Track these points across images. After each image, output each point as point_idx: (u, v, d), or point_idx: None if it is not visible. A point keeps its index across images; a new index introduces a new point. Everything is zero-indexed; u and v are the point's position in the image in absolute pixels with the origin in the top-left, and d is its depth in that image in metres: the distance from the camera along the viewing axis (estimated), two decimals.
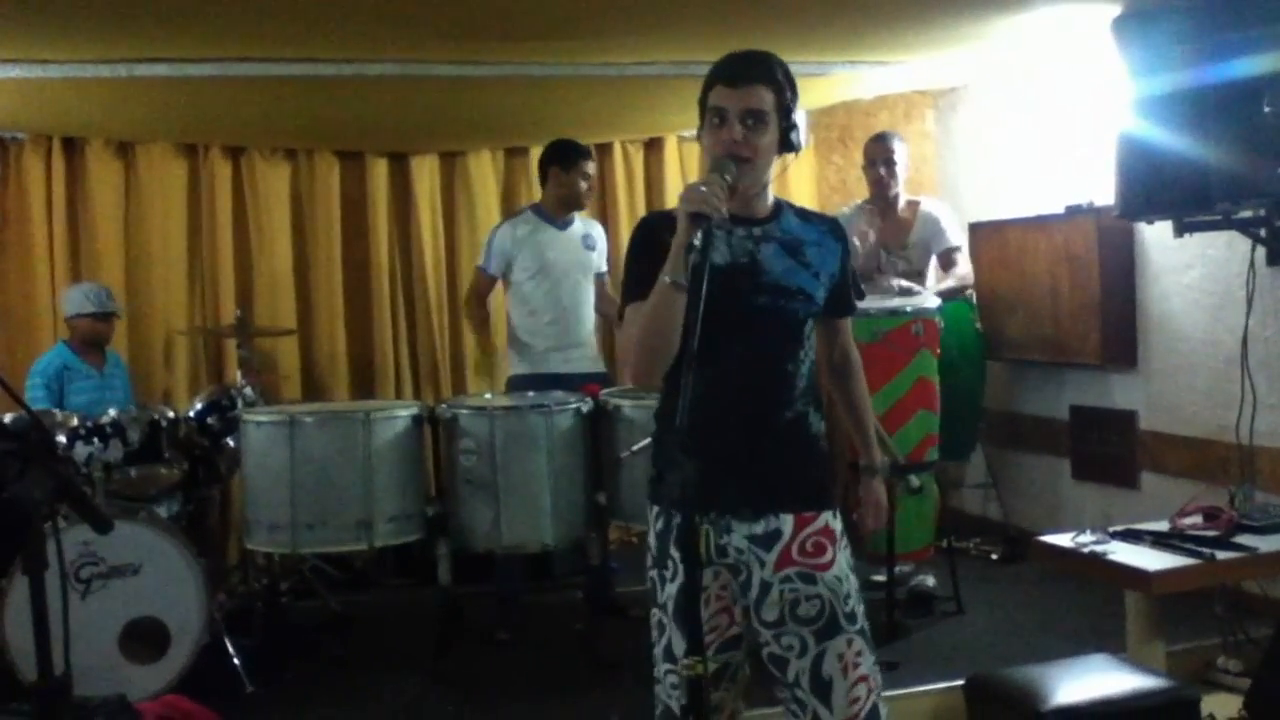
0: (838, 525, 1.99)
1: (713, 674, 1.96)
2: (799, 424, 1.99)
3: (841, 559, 1.97)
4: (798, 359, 1.99)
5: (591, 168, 4.14)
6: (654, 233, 1.93)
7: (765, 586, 1.93)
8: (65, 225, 4.71)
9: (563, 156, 4.11)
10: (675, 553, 1.95)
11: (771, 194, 2.04)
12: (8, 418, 3.26)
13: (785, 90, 1.93)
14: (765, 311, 1.95)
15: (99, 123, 4.60)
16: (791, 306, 1.96)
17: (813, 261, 1.99)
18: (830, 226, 2.07)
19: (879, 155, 4.19)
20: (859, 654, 1.94)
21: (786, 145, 1.96)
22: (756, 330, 1.95)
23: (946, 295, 4.21)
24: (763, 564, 1.94)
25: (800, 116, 2.00)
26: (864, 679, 1.95)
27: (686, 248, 1.79)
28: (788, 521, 1.94)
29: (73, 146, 4.73)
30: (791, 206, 2.07)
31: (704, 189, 1.80)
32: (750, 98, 1.89)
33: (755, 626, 1.97)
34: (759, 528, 1.95)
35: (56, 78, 3.60)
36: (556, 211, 4.14)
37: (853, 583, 1.97)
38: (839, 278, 2.04)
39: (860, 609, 1.97)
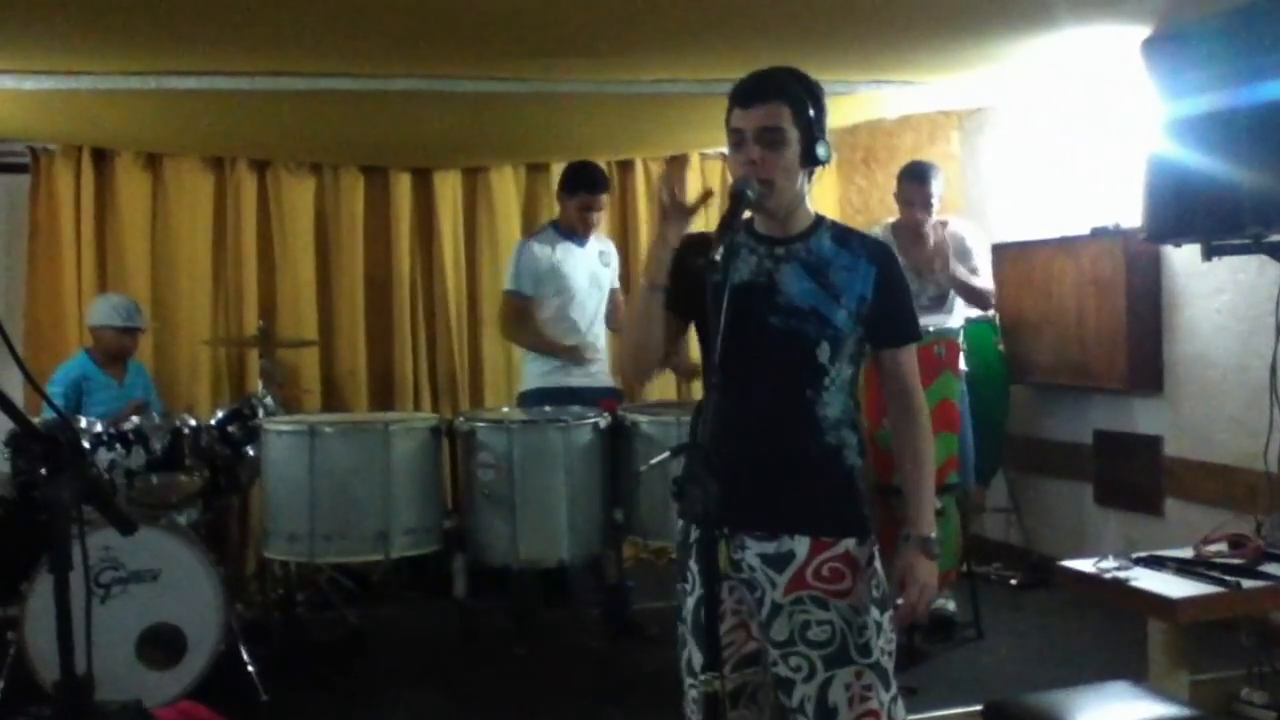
0: (863, 554, 1.91)
1: (730, 692, 1.93)
2: (829, 456, 1.93)
3: (863, 589, 1.89)
4: (819, 385, 1.91)
5: (602, 200, 4.09)
6: (679, 258, 1.94)
7: (776, 608, 1.90)
8: (93, 235, 4.76)
9: (563, 182, 4.16)
10: (694, 566, 1.95)
11: (811, 211, 2.00)
12: (36, 421, 3.28)
13: (805, 104, 1.90)
14: (778, 333, 1.91)
15: (129, 135, 4.66)
16: (804, 329, 1.91)
17: (836, 284, 1.92)
18: (870, 250, 1.97)
19: (917, 198, 4.09)
20: (868, 687, 1.87)
21: (811, 159, 1.92)
22: (770, 352, 1.92)
23: (967, 289, 4.14)
24: (774, 585, 1.90)
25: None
26: (873, 713, 1.87)
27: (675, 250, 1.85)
28: (803, 544, 1.90)
29: (102, 158, 4.79)
30: (833, 226, 2.00)
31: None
32: (765, 116, 1.88)
33: (766, 646, 1.94)
34: (771, 548, 1.91)
35: (88, 89, 3.66)
36: (579, 229, 4.15)
37: (874, 616, 1.89)
38: (875, 303, 1.93)
39: (880, 644, 1.89)
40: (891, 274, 1.97)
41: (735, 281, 1.92)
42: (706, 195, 1.99)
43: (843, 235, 1.99)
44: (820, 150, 1.91)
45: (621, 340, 2.03)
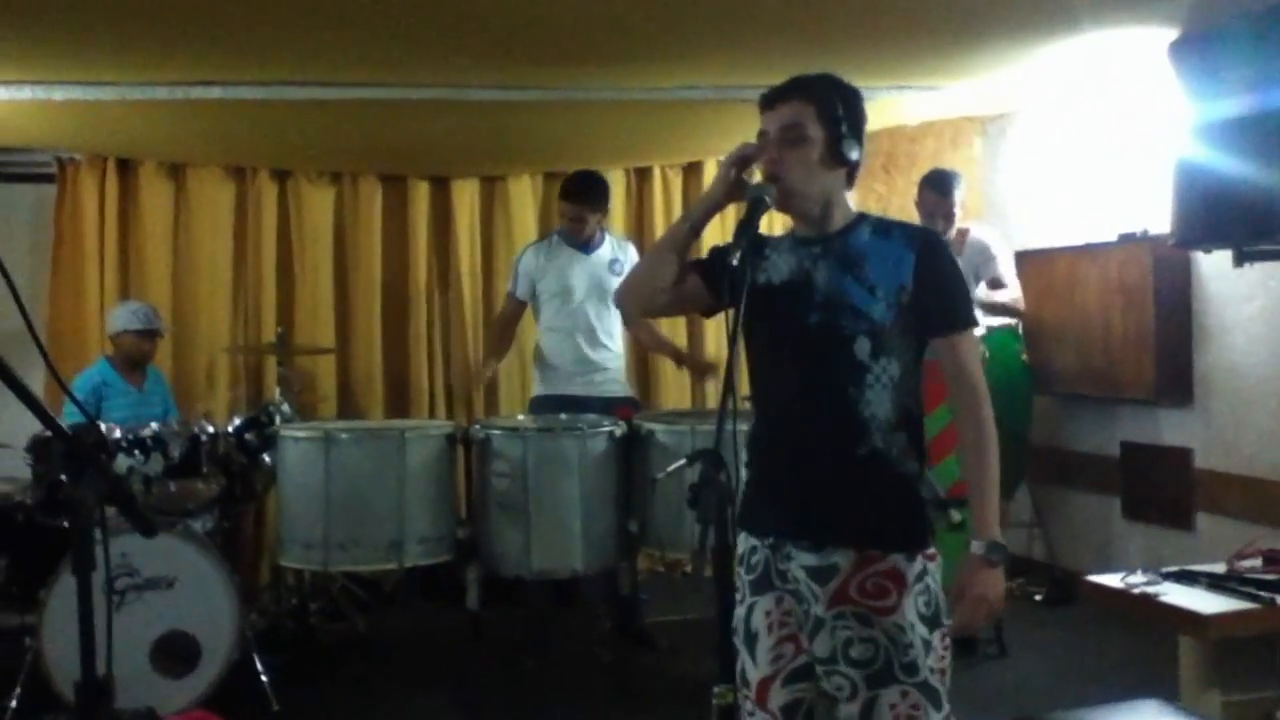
0: (912, 569, 1.82)
1: (782, 708, 1.88)
2: (876, 461, 1.85)
3: (909, 606, 1.81)
4: (861, 383, 1.84)
5: (583, 212, 4.06)
6: (718, 249, 1.97)
7: (819, 621, 1.84)
8: (116, 244, 4.81)
9: (560, 192, 4.16)
10: (742, 574, 1.92)
11: (851, 208, 1.96)
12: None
13: (830, 102, 1.88)
14: (815, 330, 1.87)
15: (153, 144, 4.70)
16: (840, 323, 1.85)
17: (871, 275, 1.86)
18: (909, 238, 1.90)
19: (938, 210, 4.04)
20: (915, 707, 1.80)
21: (840, 159, 1.89)
22: (810, 351, 1.88)
23: (995, 309, 4.11)
24: (817, 598, 1.84)
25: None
26: None
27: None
28: (847, 557, 1.83)
29: (126, 167, 4.84)
30: (876, 221, 1.95)
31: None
32: (785, 114, 1.88)
33: (811, 660, 1.88)
34: (815, 559, 1.85)
35: (114, 99, 3.69)
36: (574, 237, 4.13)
37: (920, 633, 1.81)
38: (916, 290, 1.85)
39: (927, 662, 1.81)
40: (933, 258, 1.88)
41: (775, 283, 1.93)
42: (737, 192, 1.96)
43: (885, 228, 1.94)
44: (847, 149, 1.88)
45: (637, 262, 2.05)
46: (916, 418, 1.90)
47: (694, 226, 1.98)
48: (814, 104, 1.87)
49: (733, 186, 1.92)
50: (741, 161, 1.92)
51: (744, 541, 1.95)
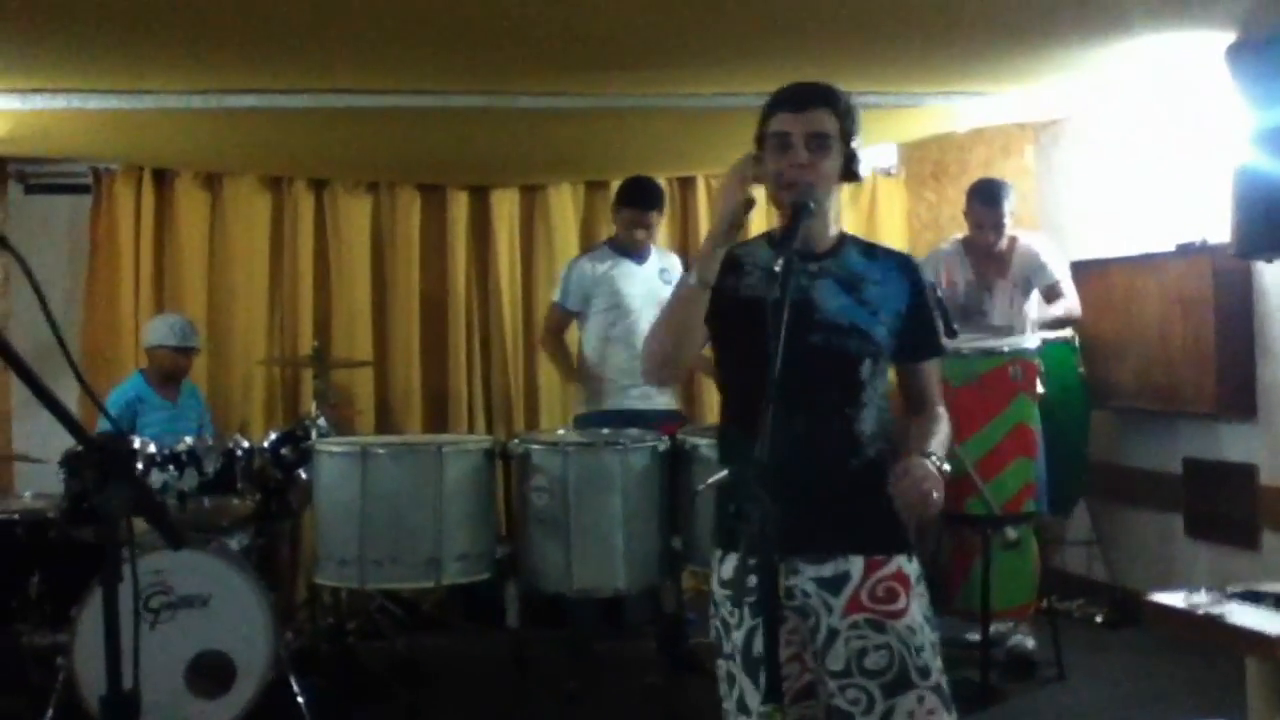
0: (913, 570, 1.89)
1: None
2: (870, 472, 1.91)
3: (916, 608, 1.87)
4: (858, 402, 1.90)
5: (650, 217, 4.01)
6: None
7: (832, 633, 1.85)
8: (152, 255, 4.80)
9: (620, 198, 4.09)
10: (731, 596, 1.90)
11: (836, 228, 1.99)
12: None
13: (848, 117, 1.90)
14: (817, 351, 1.88)
15: (190, 154, 4.70)
16: (844, 345, 1.89)
17: (872, 299, 1.92)
18: (899, 263, 1.99)
19: (987, 220, 3.95)
20: (930, 712, 1.82)
21: (849, 175, 1.92)
22: (811, 371, 1.86)
23: (1053, 324, 4.01)
24: (830, 609, 1.86)
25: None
26: None
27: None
28: (857, 564, 1.87)
29: (163, 178, 4.84)
30: (857, 241, 2.02)
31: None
32: (814, 121, 1.87)
33: (822, 676, 1.87)
34: (827, 570, 1.87)
35: (151, 108, 3.68)
36: (630, 246, 4.06)
37: (927, 634, 1.86)
38: (908, 317, 1.94)
39: (935, 663, 1.85)
40: (922, 287, 1.99)
41: (770, 299, 1.84)
42: (749, 204, 1.91)
43: (869, 249, 2.00)
44: (857, 166, 1.91)
45: (653, 334, 1.99)
46: (889, 426, 1.97)
47: (704, 282, 1.87)
48: (836, 115, 1.88)
49: (747, 200, 1.88)
50: (746, 180, 1.87)
51: (732, 563, 1.91)
